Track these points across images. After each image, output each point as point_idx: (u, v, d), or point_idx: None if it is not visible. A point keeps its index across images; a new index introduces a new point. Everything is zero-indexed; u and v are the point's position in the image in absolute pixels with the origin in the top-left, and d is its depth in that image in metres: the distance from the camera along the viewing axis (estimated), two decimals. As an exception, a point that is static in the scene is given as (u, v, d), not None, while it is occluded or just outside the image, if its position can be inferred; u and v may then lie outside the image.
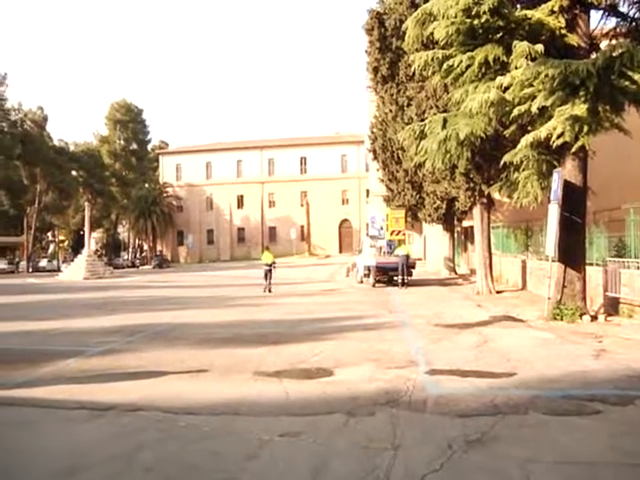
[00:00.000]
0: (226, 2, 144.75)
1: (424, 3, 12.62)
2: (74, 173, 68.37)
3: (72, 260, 50.24)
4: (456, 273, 27.28)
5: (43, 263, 61.73)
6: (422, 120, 15.35)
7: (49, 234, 79.59)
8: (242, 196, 69.25)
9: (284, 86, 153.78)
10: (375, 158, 28.04)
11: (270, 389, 6.49)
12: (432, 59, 12.11)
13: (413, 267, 23.06)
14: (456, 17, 11.14)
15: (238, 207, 69.39)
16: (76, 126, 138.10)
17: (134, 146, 76.42)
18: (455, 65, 11.53)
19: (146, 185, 72.07)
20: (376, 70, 24.05)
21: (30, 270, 57.57)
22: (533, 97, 10.28)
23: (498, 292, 17.97)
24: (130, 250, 77.54)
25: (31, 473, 4.32)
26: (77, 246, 65.12)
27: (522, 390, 6.22)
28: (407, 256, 21.89)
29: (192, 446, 4.72)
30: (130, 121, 74.82)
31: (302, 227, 65.57)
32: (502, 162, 12.71)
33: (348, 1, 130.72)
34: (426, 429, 4.96)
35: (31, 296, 23.38)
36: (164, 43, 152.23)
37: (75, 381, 7.14)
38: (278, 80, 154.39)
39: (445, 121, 12.78)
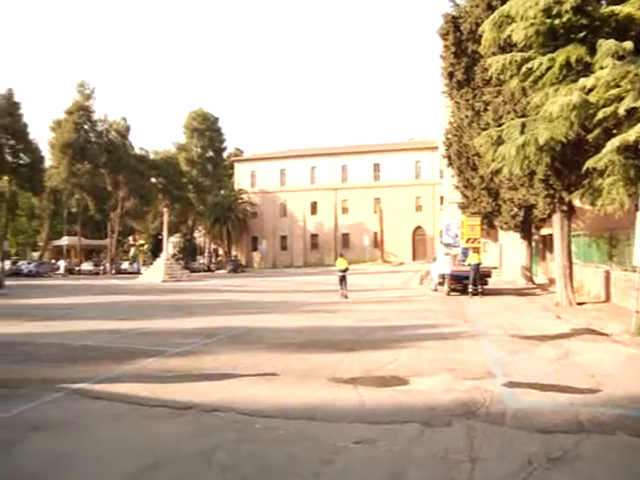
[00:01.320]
0: (298, 11, 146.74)
1: (501, 5, 12.36)
2: (154, 180, 71.18)
3: (151, 263, 52.20)
4: (534, 283, 26.36)
5: (125, 265, 64.52)
6: (499, 125, 15.01)
7: (130, 238, 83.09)
8: (315, 202, 69.75)
9: (357, 93, 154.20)
10: (450, 164, 27.57)
11: (345, 396, 6.50)
12: (510, 62, 11.84)
13: (489, 276, 22.50)
14: (535, 18, 10.86)
15: (312, 213, 69.93)
16: (156, 135, 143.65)
17: (210, 154, 78.52)
18: (534, 67, 11.23)
19: (222, 192, 73.93)
20: (451, 75, 23.68)
21: (113, 272, 60.25)
22: (620, 98, 9.84)
23: (579, 304, 17.20)
24: (206, 255, 79.61)
25: (119, 464, 4.54)
26: (156, 250, 67.54)
27: (608, 408, 5.90)
28: (478, 265, 21.38)
29: (268, 448, 4.81)
30: (206, 129, 77.00)
31: (375, 234, 65.29)
32: (585, 168, 12.20)
33: (420, 5, 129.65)
34: (504, 443, 4.82)
35: (114, 296, 24.49)
36: (239, 53, 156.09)
37: (156, 380, 7.42)
38: (351, 87, 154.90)
39: (524, 126, 12.46)
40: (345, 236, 68.25)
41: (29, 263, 58.22)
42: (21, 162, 58.64)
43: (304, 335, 11.59)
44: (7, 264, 50.90)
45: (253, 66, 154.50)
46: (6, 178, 58.87)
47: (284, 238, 71.24)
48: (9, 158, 57.82)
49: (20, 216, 69.52)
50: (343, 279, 21.48)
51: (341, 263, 22.05)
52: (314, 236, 70.20)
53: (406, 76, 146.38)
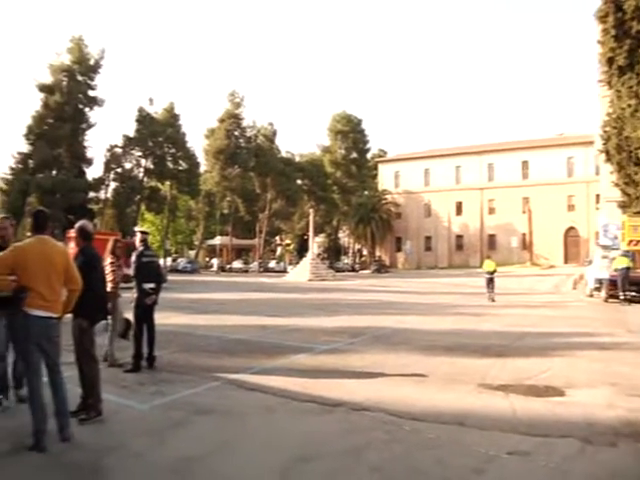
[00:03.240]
0: (438, 7, 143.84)
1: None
2: (299, 182, 73.68)
3: (297, 262, 54.03)
4: None
5: (272, 264, 67.49)
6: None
7: (277, 238, 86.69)
8: (460, 203, 67.96)
9: (503, 88, 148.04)
10: (608, 160, 25.39)
11: (495, 403, 6.26)
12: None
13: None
14: None
15: (456, 214, 68.25)
16: (301, 138, 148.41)
17: (354, 155, 79.43)
18: None
19: (365, 192, 74.58)
20: (611, 61, 21.80)
21: (261, 270, 63.16)
22: None
23: None
24: (350, 255, 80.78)
25: (273, 454, 4.73)
26: (301, 249, 69.84)
27: None
28: (628, 269, 19.45)
29: (417, 451, 4.77)
30: (350, 131, 77.99)
31: (524, 235, 62.10)
32: None
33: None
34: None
35: (263, 294, 25.68)
36: (382, 55, 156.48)
37: (306, 375, 7.67)
38: (496, 82, 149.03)
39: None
40: (491, 237, 65.76)
41: (188, 262, 62.82)
42: (180, 168, 63.68)
43: (451, 338, 11.36)
44: (168, 261, 55.40)
45: (396, 67, 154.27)
46: (168, 183, 64.20)
47: (428, 239, 70.20)
48: (170, 165, 63.05)
49: (179, 217, 75.34)
50: (491, 281, 20.77)
51: (489, 265, 21.33)
52: (459, 237, 68.42)
53: (554, 67, 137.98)
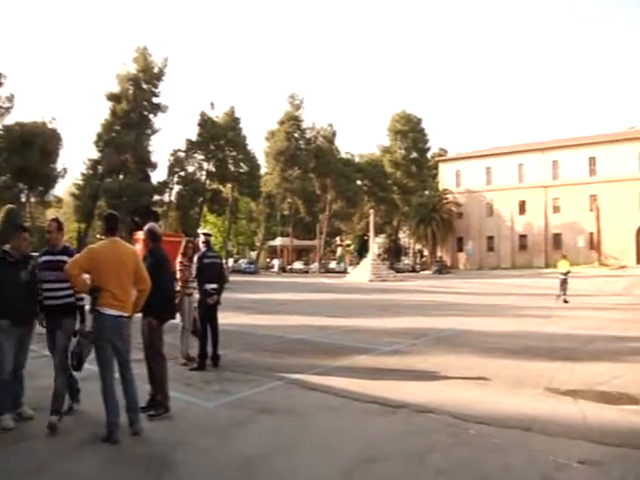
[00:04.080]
0: (500, 4, 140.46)
1: None
2: (359, 182, 73.56)
3: (357, 263, 54.00)
4: None
5: (332, 265, 67.74)
6: None
7: (337, 238, 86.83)
8: (524, 201, 66.04)
9: (568, 81, 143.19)
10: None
11: (564, 409, 6.05)
12: None
13: None
14: None
15: (519, 213, 66.36)
16: (361, 139, 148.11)
17: (414, 155, 78.64)
18: None
19: (426, 192, 73.71)
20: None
21: (321, 271, 63.46)
22: None
23: None
24: (410, 255, 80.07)
25: (337, 454, 4.73)
26: (361, 250, 69.73)
27: None
28: None
29: (483, 455, 4.67)
30: (410, 131, 77.25)
31: (591, 234, 59.76)
32: None
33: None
34: None
35: (323, 294, 25.80)
36: (440, 53, 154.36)
37: (368, 376, 7.66)
38: (561, 76, 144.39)
39: None
40: (556, 237, 63.50)
41: (249, 262, 63.88)
42: (241, 171, 64.91)
43: (515, 340, 11.07)
44: (229, 262, 56.48)
45: (456, 65, 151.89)
46: (229, 185, 65.47)
47: (490, 239, 68.63)
48: (231, 168, 64.33)
49: (240, 219, 76.59)
50: (564, 282, 20.08)
51: (563, 265, 20.63)
52: (522, 237, 66.51)
53: (624, 57, 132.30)
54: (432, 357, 9.20)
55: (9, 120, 52.61)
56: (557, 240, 63.12)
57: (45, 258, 5.56)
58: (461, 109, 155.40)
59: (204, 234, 8.71)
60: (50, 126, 55.36)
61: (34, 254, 5.90)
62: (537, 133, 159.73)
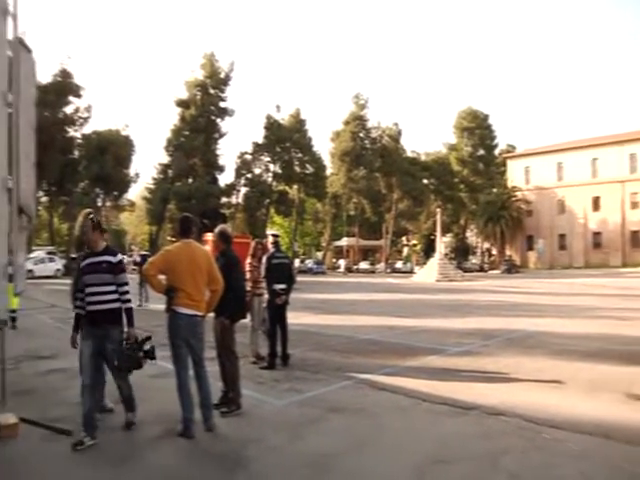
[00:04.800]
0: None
1: None
2: (425, 181, 72.73)
3: (424, 263, 53.40)
4: None
5: (398, 265, 67.31)
6: None
7: (403, 238, 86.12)
8: (598, 198, 63.26)
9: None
10: None
11: (646, 416, 5.81)
12: None
13: None
14: None
15: (593, 210, 63.66)
16: (427, 137, 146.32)
17: (481, 152, 76.95)
18: None
19: (494, 190, 72.02)
20: None
21: (388, 271, 63.19)
22: None
23: None
24: (478, 254, 78.49)
25: (408, 454, 4.77)
26: (428, 250, 68.87)
27: None
28: None
29: (558, 461, 4.54)
30: (476, 127, 75.66)
31: (675, 231, 56.66)
32: None
33: None
34: None
35: (390, 294, 25.66)
36: (507, 49, 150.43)
37: (437, 377, 7.60)
38: (635, 64, 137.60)
39: None
40: (634, 234, 60.39)
41: (315, 263, 64.42)
42: (307, 172, 65.60)
43: (591, 342, 10.65)
44: (297, 262, 57.08)
45: (523, 59, 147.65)
46: (295, 187, 66.22)
47: (562, 237, 66.26)
48: (297, 169, 65.09)
49: (307, 220, 77.27)
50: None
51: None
52: (596, 234, 63.74)
53: None
54: (503, 358, 9.01)
55: (87, 129, 55.32)
56: (635, 238, 60.15)
57: (87, 261, 5.16)
58: (530, 103, 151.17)
59: (273, 235, 8.87)
60: (123, 133, 57.88)
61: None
62: (612, 125, 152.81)
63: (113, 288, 5.09)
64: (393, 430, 5.44)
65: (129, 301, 5.19)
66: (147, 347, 5.27)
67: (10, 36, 5.24)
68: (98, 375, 5.20)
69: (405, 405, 6.25)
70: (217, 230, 6.23)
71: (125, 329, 5.18)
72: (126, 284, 5.20)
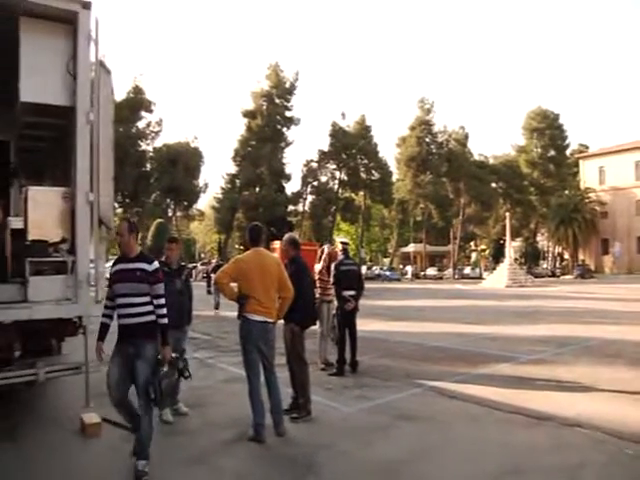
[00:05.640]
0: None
1: None
2: (494, 185, 71.05)
3: (493, 268, 52.20)
4: None
5: (467, 270, 66.14)
6: None
7: (471, 243, 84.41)
8: (681, 196, 59.96)
9: None
10: None
11: None
12: None
13: None
14: None
15: (675, 209, 60.44)
16: (495, 140, 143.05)
17: (552, 153, 74.27)
18: None
19: (566, 192, 69.51)
20: None
21: (456, 277, 62.15)
22: None
23: None
24: (549, 259, 75.98)
25: (479, 463, 4.68)
26: (497, 255, 67.19)
27: None
28: None
29: (642, 477, 4.36)
30: (547, 128, 73.14)
31: None
32: None
33: None
34: None
35: (459, 301, 25.24)
36: (576, 45, 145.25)
37: (509, 385, 7.42)
38: None
39: None
40: None
41: (381, 269, 64.29)
42: (373, 178, 65.60)
43: (676, 352, 10.12)
44: (363, 269, 57.06)
45: (593, 55, 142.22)
46: (361, 193, 66.26)
47: (641, 239, 63.17)
48: (363, 175, 65.17)
49: (373, 226, 77.06)
50: None
51: None
52: (680, 236, 60.37)
53: None
54: (579, 367, 8.69)
55: (158, 142, 57.47)
56: None
57: (118, 266, 4.63)
58: (603, 100, 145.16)
59: (342, 243, 8.99)
60: (193, 145, 59.67)
61: (189, 265, 6.30)
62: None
63: (147, 299, 4.52)
64: (464, 439, 5.36)
65: (165, 316, 4.56)
66: (180, 365, 4.86)
67: (92, 59, 5.59)
68: (125, 398, 4.65)
69: (476, 414, 6.14)
70: (287, 237, 6.33)
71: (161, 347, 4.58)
72: (162, 296, 4.59)
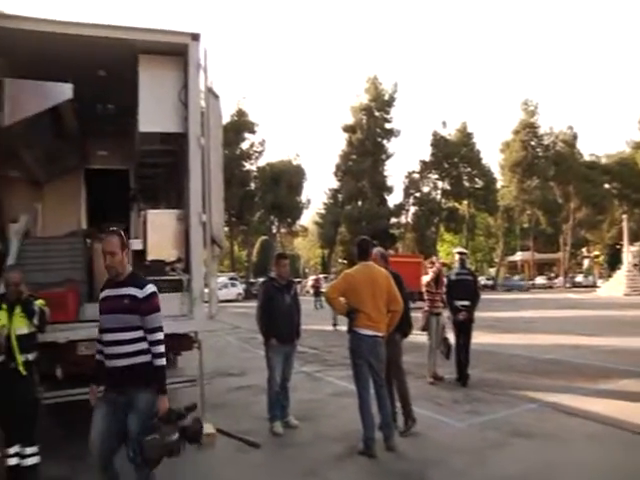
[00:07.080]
0: None
1: None
2: (607, 186, 66.92)
3: (608, 275, 49.12)
4: None
5: (579, 278, 62.81)
6: None
7: (583, 250, 79.89)
8: None
9: None
10: None
11: None
12: None
13: None
14: None
15: None
16: (607, 137, 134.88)
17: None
18: None
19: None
20: None
21: (567, 285, 59.14)
22: None
23: None
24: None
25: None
26: (613, 261, 62.96)
27: None
28: None
29: None
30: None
31: None
32: None
33: None
34: None
35: (572, 311, 24.01)
36: None
37: (635, 403, 6.96)
38: None
39: None
40: None
41: (487, 279, 62.39)
42: (476, 186, 64.02)
43: None
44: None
45: None
46: (465, 202, 64.85)
47: None
48: (466, 184, 63.79)
49: (478, 235, 74.93)
50: None
51: None
52: None
53: None
54: None
55: (261, 162, 59.38)
56: None
57: (104, 294, 3.70)
58: None
59: (458, 253, 8.94)
60: (295, 163, 61.06)
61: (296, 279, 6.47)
62: None
63: (139, 334, 3.55)
64: (584, 459, 5.08)
65: (162, 356, 3.58)
66: (186, 423, 3.59)
67: (202, 87, 5.92)
68: (111, 460, 3.60)
69: (598, 433, 5.80)
70: (377, 251, 6.29)
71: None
72: (159, 330, 3.59)
